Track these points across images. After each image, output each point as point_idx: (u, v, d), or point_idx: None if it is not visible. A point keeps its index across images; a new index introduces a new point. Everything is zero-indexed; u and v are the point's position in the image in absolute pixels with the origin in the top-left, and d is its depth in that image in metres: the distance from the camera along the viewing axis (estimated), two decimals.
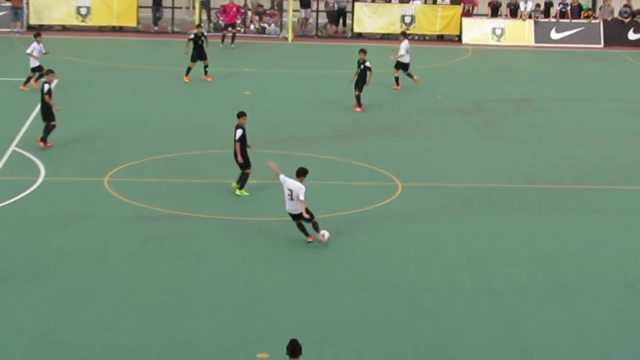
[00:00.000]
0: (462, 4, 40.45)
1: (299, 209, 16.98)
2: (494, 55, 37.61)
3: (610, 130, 26.19)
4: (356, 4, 40.04)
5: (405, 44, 30.99)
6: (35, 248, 16.68)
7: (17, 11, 37.57)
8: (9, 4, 38.29)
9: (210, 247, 17.06)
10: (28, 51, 27.64)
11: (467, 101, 29.22)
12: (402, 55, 30.66)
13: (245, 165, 19.58)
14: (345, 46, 38.01)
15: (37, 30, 30.14)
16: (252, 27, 40.84)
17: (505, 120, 27.17)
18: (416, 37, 40.76)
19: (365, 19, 40.13)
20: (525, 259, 17.04)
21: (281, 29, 40.60)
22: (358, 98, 27.35)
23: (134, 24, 39.51)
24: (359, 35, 40.27)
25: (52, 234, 17.34)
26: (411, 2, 40.49)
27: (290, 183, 17.11)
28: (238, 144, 19.47)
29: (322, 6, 41.51)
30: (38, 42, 27.66)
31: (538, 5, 40.48)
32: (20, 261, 16.10)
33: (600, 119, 27.72)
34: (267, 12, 41.26)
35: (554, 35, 40.09)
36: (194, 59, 30.23)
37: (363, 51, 27.48)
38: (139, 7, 39.63)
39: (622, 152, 24.17)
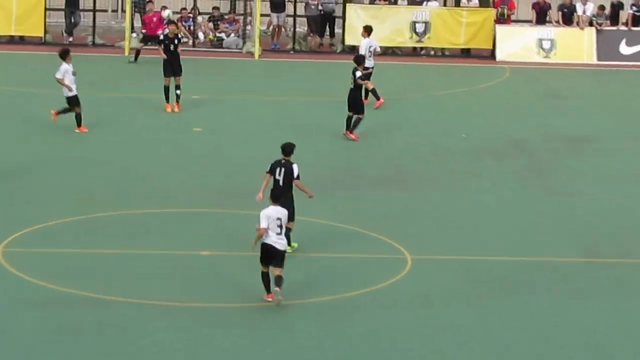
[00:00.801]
0: (495, 5, 41.20)
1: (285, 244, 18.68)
2: (541, 76, 38.31)
3: None
4: (348, 6, 40.80)
5: (366, 41, 31.83)
6: None
7: None
8: None
9: (146, 345, 17.24)
10: (59, 76, 28.72)
11: (503, 140, 29.70)
12: (363, 66, 31.58)
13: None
14: (333, 64, 38.50)
15: (65, 47, 30.64)
16: (201, 36, 41.37)
17: (556, 167, 27.66)
18: (432, 52, 41.47)
19: (361, 27, 40.56)
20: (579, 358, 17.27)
21: (244, 41, 41.24)
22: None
23: (40, 34, 40.33)
24: (352, 50, 40.79)
25: None
26: (425, 2, 41.19)
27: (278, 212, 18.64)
28: (298, 182, 20.67)
29: (300, 9, 42.17)
30: (68, 62, 28.87)
31: (602, 7, 41.12)
32: None
33: None
34: (225, 17, 41.90)
35: (625, 49, 41.02)
36: (167, 72, 31.04)
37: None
38: (46, 9, 40.40)
39: None
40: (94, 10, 41.57)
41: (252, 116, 31.59)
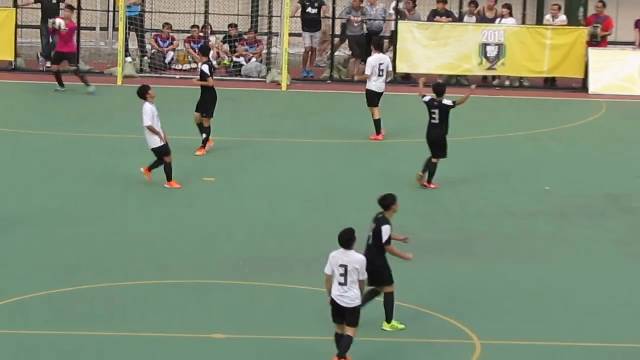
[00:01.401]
0: (586, 23, 41.57)
1: (357, 297, 19.53)
2: None
3: None
4: (401, 24, 41.29)
5: (375, 58, 32.64)
6: None
7: None
8: None
9: None
10: (148, 123, 29.25)
11: (599, 196, 29.86)
12: (367, 77, 31.94)
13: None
14: (383, 98, 38.77)
15: (144, 85, 30.75)
16: (214, 62, 41.75)
17: None
18: (507, 83, 41.78)
19: (418, 50, 41.15)
20: None
21: (269, 68, 41.73)
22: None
23: (10, 57, 41.01)
24: (407, 78, 41.11)
25: None
26: (498, 20, 41.48)
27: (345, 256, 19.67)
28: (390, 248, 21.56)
29: (338, 28, 42.70)
30: (151, 102, 29.36)
31: None
32: None
33: None
34: (245, 38, 42.31)
35: None
36: (199, 108, 32.24)
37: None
38: (17, 27, 41.01)
39: None
40: (78, 29, 41.73)
41: (277, 164, 31.94)
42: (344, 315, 19.48)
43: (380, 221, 21.42)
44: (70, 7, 40.26)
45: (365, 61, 41.80)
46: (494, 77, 41.96)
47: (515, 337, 21.73)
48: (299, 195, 29.42)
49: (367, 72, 33.39)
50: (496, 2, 41.97)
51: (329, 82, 41.59)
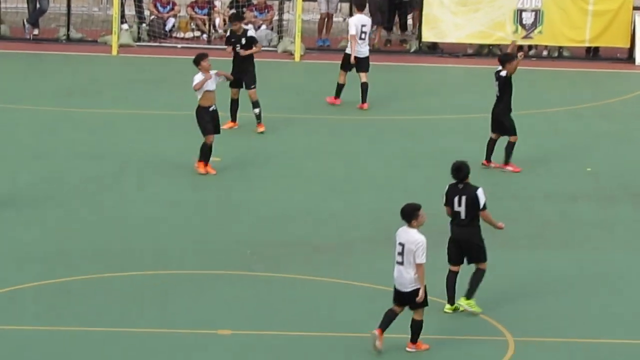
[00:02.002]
0: None
1: (413, 280, 20.11)
2: None
3: None
4: None
5: (357, 18, 33.45)
6: None
7: None
8: None
9: None
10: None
11: None
12: (353, 38, 33.03)
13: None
14: (405, 68, 38.83)
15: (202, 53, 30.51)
16: (220, 30, 41.87)
17: None
18: (545, 53, 42.10)
19: (446, 17, 41.37)
20: None
21: (280, 36, 42.14)
22: None
23: None
24: (434, 48, 41.26)
25: None
26: None
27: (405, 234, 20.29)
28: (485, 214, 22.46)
29: None
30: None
31: None
32: None
33: None
34: (254, 3, 42.45)
35: None
36: (234, 83, 32.08)
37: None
38: None
39: None
40: None
41: (289, 143, 32.26)
42: (402, 299, 20.13)
43: (469, 188, 22.01)
44: None
45: (388, 29, 42.21)
46: (531, 47, 42.17)
47: (552, 333, 21.90)
48: (316, 178, 29.68)
49: (352, 31, 33.59)
50: None
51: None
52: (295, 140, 32.43)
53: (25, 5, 42.13)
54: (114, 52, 40.50)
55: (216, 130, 28.94)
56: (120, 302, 22.44)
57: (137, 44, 41.36)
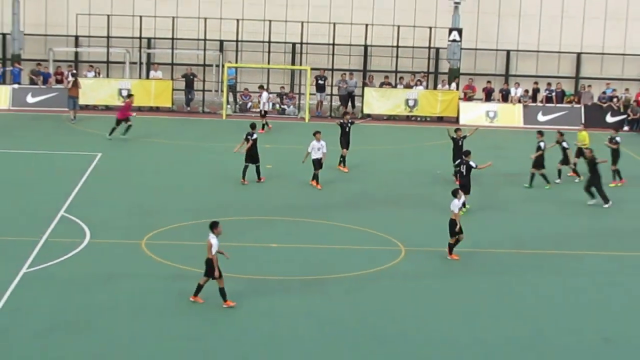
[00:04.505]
0: (463, 89, 42.45)
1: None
2: (488, 134, 38.03)
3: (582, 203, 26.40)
4: (366, 88, 42.23)
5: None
6: (79, 302, 16.86)
7: (74, 100, 37.25)
8: (60, 85, 40.67)
9: (237, 303, 16.99)
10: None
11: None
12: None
13: None
14: (355, 126, 39.53)
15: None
16: (268, 107, 42.96)
17: (499, 193, 27.40)
18: (419, 119, 42.82)
19: (374, 102, 42.04)
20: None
21: (299, 110, 42.33)
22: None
23: (168, 105, 41.14)
24: (368, 116, 42.43)
25: (95, 290, 17.47)
26: (414, 87, 42.89)
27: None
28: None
29: (335, 90, 43.61)
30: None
31: (527, 91, 43.09)
32: (67, 314, 16.26)
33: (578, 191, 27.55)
34: (287, 94, 43.44)
35: (541, 117, 42.00)
36: (342, 144, 29.18)
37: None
38: (173, 90, 41.29)
39: (597, 220, 24.65)
40: (204, 90, 42.08)
41: (301, 156, 29.18)
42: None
43: (467, 162, 23.05)
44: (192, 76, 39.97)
45: (345, 107, 42.35)
46: (413, 116, 41.84)
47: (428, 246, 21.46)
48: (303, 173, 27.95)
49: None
50: (414, 78, 43.29)
51: (329, 117, 41.41)
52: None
53: (184, 97, 41.67)
54: (224, 117, 40.32)
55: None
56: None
57: (234, 113, 41.93)
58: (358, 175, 28.95)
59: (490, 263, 20.42)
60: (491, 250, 21.45)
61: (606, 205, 26.02)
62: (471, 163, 24.17)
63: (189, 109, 41.56)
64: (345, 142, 29.78)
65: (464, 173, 24.21)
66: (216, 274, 17.00)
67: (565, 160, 29.34)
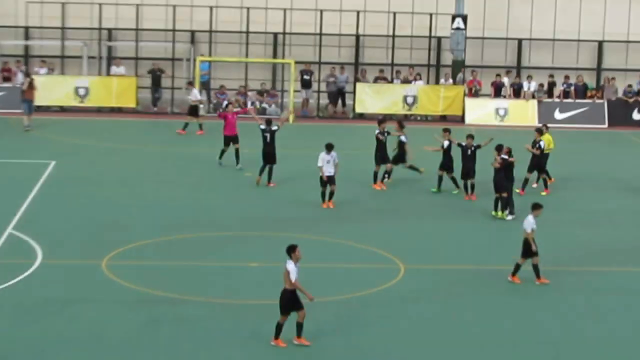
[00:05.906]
0: (468, 85, 41.75)
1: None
2: (497, 135, 38.12)
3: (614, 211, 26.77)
4: (358, 84, 41.49)
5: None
6: (32, 332, 16.75)
7: (29, 103, 35.32)
8: (8, 84, 39.63)
9: (210, 332, 17.08)
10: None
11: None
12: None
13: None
14: (347, 127, 38.91)
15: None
16: (252, 104, 42.00)
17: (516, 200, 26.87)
18: (418, 118, 42.06)
19: (367, 99, 41.44)
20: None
21: (282, 110, 41.69)
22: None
23: (133, 105, 40.63)
24: (361, 116, 41.45)
25: (49, 318, 17.41)
26: (413, 82, 41.90)
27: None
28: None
29: (323, 87, 42.72)
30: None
31: (542, 85, 41.96)
32: (16, 345, 16.11)
33: (603, 199, 28.04)
34: (269, 92, 42.52)
35: (558, 115, 41.34)
36: (377, 160, 28.33)
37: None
38: (138, 88, 40.88)
39: (626, 231, 24.53)
40: (172, 88, 41.58)
41: (288, 165, 30.55)
42: None
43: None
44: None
45: (335, 105, 42.24)
46: (411, 115, 41.71)
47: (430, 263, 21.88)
48: (300, 182, 28.50)
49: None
50: (413, 71, 42.25)
51: (317, 118, 41.70)
52: (293, 160, 31.26)
53: (150, 95, 41.17)
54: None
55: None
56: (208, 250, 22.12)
57: (208, 114, 40.99)
58: (349, 183, 28.60)
59: (497, 282, 20.21)
60: (497, 267, 21.17)
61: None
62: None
63: (156, 109, 41.05)
64: (381, 157, 28.53)
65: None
66: (309, 296, 16.01)
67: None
